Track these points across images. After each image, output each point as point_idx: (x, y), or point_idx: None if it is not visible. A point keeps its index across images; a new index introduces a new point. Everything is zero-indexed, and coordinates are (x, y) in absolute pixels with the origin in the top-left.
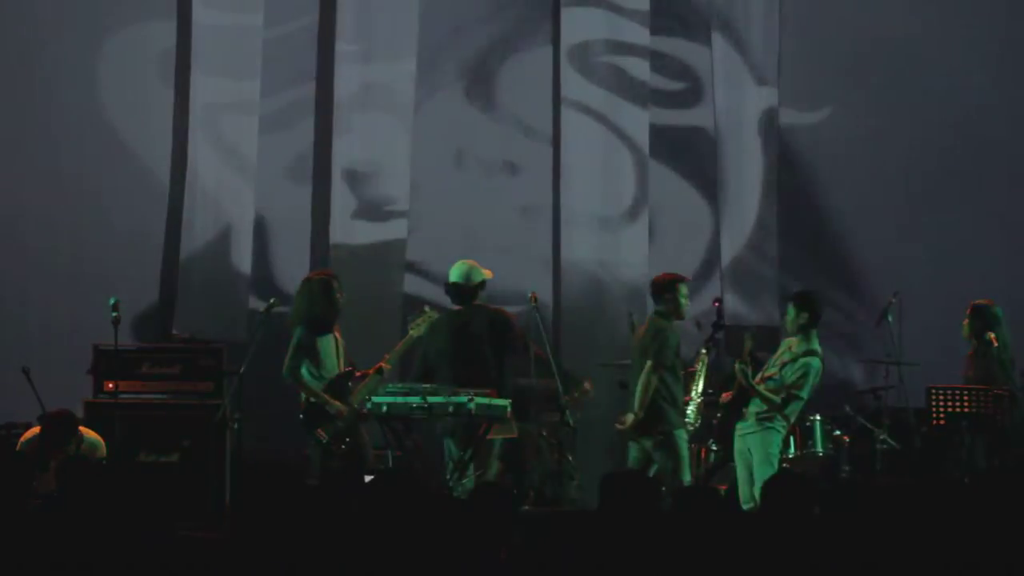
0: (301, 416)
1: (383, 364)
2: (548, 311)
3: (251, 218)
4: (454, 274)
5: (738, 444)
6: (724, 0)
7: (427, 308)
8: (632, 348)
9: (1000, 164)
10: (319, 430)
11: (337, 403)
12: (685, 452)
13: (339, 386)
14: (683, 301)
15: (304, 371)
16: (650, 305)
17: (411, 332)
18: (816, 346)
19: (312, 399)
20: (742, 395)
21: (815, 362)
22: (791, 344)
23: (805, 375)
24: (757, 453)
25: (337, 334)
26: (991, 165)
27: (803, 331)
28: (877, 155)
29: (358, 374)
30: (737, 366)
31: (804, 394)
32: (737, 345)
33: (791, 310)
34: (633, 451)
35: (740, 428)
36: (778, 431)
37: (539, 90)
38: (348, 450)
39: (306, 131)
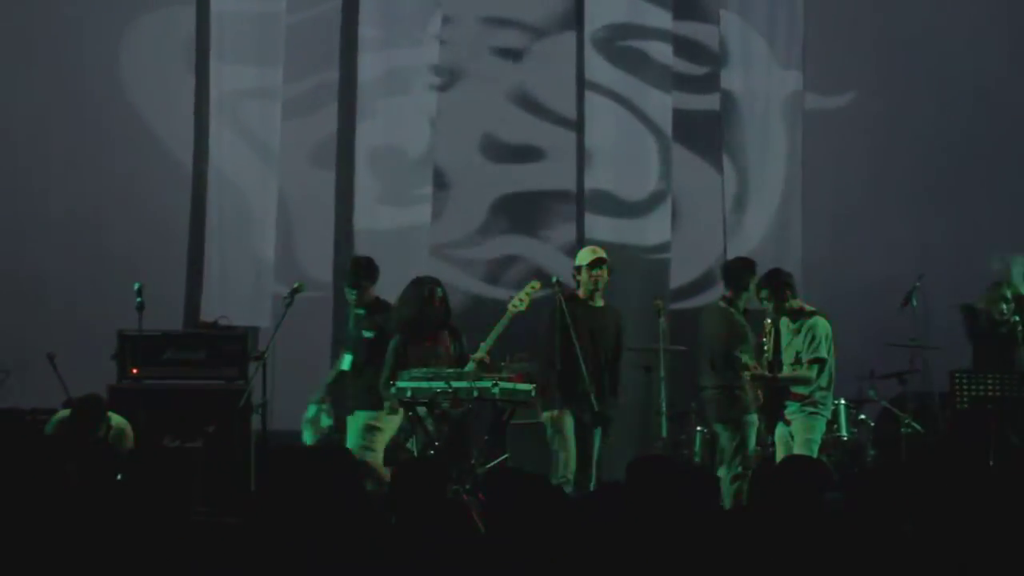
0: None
1: (480, 356)
2: None
3: (274, 203)
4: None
5: (780, 429)
6: None
7: (536, 282)
8: (710, 336)
9: None
10: (406, 445)
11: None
12: (753, 434)
13: None
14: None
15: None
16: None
17: (510, 308)
18: (808, 307)
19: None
20: (773, 394)
21: (818, 321)
22: (787, 323)
23: (814, 337)
24: (798, 437)
25: (439, 340)
26: (1015, 147)
27: (782, 309)
28: (902, 138)
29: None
30: (747, 376)
31: (823, 353)
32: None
33: (768, 300)
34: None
35: (785, 413)
36: (823, 416)
37: (563, 74)
38: (436, 455)
39: (329, 116)
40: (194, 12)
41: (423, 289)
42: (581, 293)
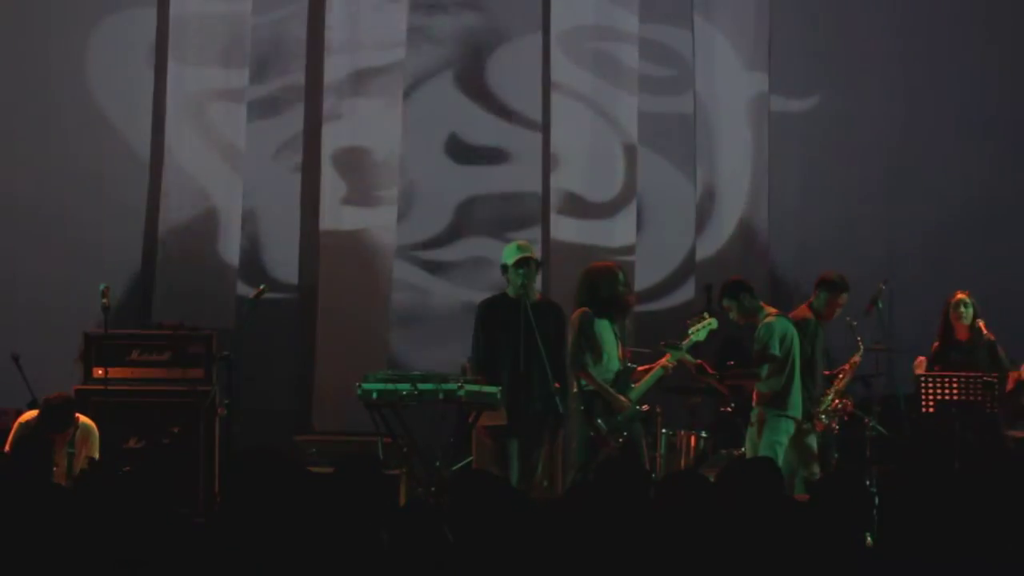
0: (582, 407)
1: (665, 362)
2: None
3: (239, 205)
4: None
5: (749, 431)
6: None
7: (707, 314)
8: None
9: (992, 149)
10: (598, 420)
11: (621, 397)
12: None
13: (620, 380)
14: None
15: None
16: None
17: (691, 335)
18: (766, 310)
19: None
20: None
21: (772, 322)
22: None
23: (767, 334)
24: (764, 439)
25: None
26: (983, 150)
27: (745, 314)
28: (867, 141)
29: (640, 368)
30: (697, 373)
31: (774, 350)
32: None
33: (728, 310)
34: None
35: (752, 415)
36: (788, 418)
37: (529, 76)
38: (624, 445)
39: (295, 118)
40: (162, 13)
41: (617, 274)
42: (511, 293)
